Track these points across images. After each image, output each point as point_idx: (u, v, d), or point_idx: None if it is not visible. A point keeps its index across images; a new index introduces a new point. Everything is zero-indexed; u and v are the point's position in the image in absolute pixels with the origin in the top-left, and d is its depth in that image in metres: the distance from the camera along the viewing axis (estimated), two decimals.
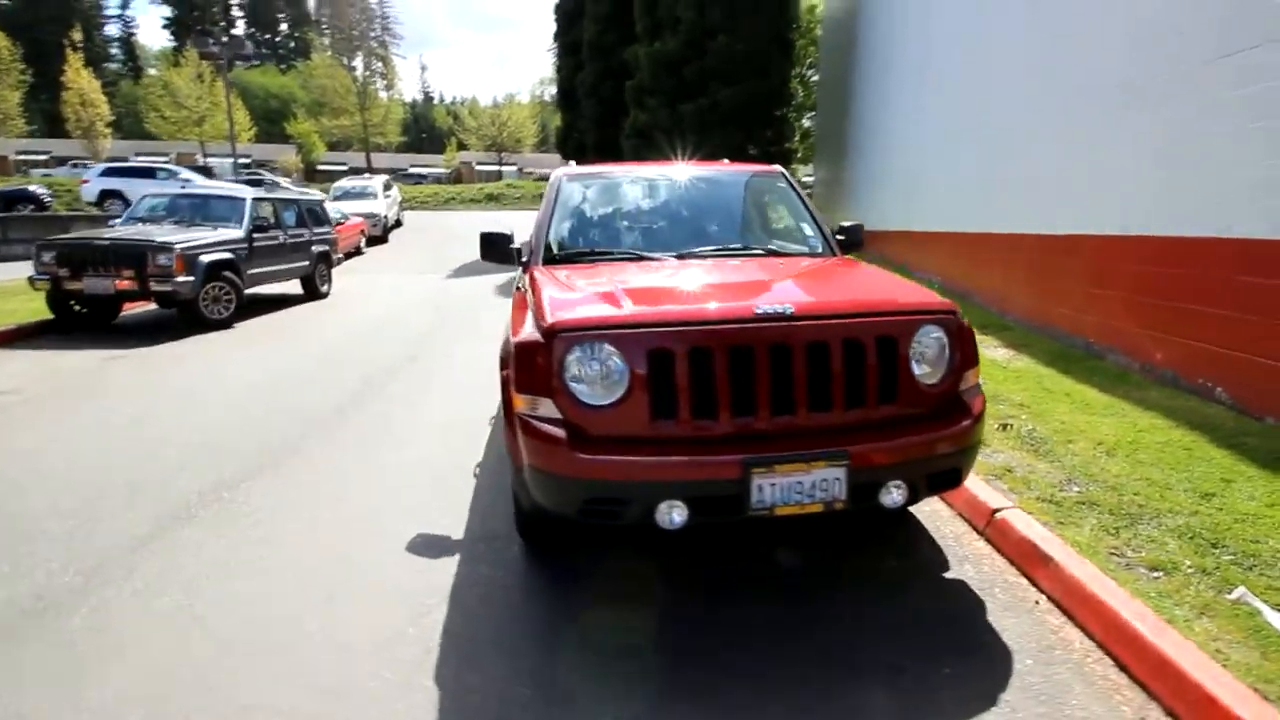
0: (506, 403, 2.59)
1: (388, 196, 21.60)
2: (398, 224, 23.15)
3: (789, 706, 2.11)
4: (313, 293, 10.99)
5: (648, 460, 2.26)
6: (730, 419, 2.32)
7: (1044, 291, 6.48)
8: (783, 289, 2.86)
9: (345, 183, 21.94)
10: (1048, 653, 2.35)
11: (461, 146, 52.83)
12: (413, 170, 48.74)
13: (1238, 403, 4.32)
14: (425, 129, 70.15)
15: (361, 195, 20.19)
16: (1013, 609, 2.61)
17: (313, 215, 11.24)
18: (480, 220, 27.89)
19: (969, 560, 2.95)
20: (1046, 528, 2.94)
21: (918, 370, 2.48)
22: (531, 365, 2.39)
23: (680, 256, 3.38)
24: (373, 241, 18.98)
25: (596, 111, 17.72)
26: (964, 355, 2.58)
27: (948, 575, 2.85)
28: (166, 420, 4.93)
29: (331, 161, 48.45)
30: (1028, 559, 2.82)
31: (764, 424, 2.33)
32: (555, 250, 3.54)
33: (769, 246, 3.68)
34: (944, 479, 2.53)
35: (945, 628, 2.52)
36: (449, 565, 2.94)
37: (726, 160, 4.90)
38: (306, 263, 10.69)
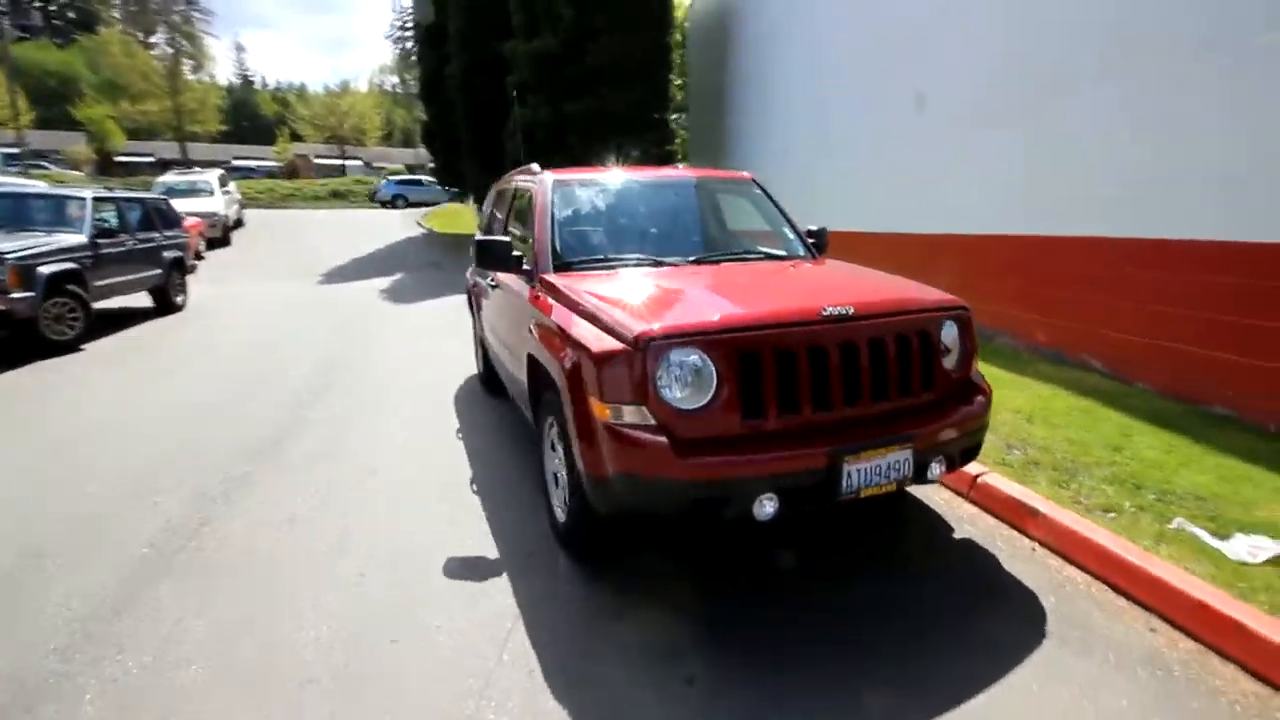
0: (580, 413, 2.56)
1: (226, 193, 19.34)
2: (239, 224, 20.81)
3: (871, 648, 2.36)
4: (167, 305, 9.65)
5: (749, 458, 2.39)
6: (811, 413, 2.52)
7: (936, 284, 7.35)
8: (827, 290, 3.08)
9: (171, 178, 19.26)
10: (1061, 589, 2.81)
11: (295, 137, 48.23)
12: (238, 163, 43.70)
13: (1113, 372, 5.29)
14: (248, 117, 63.18)
15: (194, 192, 17.85)
16: (1018, 557, 3.06)
17: (161, 216, 9.86)
18: (334, 219, 25.91)
19: (966, 521, 3.40)
20: (1023, 486, 3.47)
21: (945, 360, 2.84)
22: (620, 374, 2.43)
23: (696, 261, 3.52)
24: (212, 245, 16.94)
25: (470, 107, 17.14)
26: (972, 344, 2.98)
27: (955, 536, 3.27)
28: (38, 476, 4.13)
29: (134, 152, 42.04)
30: (1016, 513, 3.31)
31: (839, 415, 2.56)
32: (563, 257, 3.52)
33: (764, 250, 3.93)
34: (971, 452, 2.92)
35: (974, 578, 2.91)
36: (502, 585, 2.86)
37: (681, 165, 5.07)
38: (159, 271, 9.35)
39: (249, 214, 23.10)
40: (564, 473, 2.89)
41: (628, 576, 2.94)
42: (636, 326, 2.47)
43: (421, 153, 37.14)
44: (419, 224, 24.99)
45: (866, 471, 2.48)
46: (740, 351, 2.44)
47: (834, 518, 3.41)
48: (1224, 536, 2.95)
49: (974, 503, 3.57)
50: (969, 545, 3.18)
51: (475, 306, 5.61)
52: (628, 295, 2.90)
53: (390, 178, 35.57)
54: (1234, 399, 4.42)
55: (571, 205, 3.89)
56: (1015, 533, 3.28)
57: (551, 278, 3.28)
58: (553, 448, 3.06)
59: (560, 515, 3.06)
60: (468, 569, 3.00)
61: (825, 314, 2.57)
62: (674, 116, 15.65)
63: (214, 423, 4.90)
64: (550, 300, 3.13)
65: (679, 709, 2.17)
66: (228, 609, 2.71)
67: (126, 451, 4.34)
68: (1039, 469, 3.74)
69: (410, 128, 57.17)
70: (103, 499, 3.66)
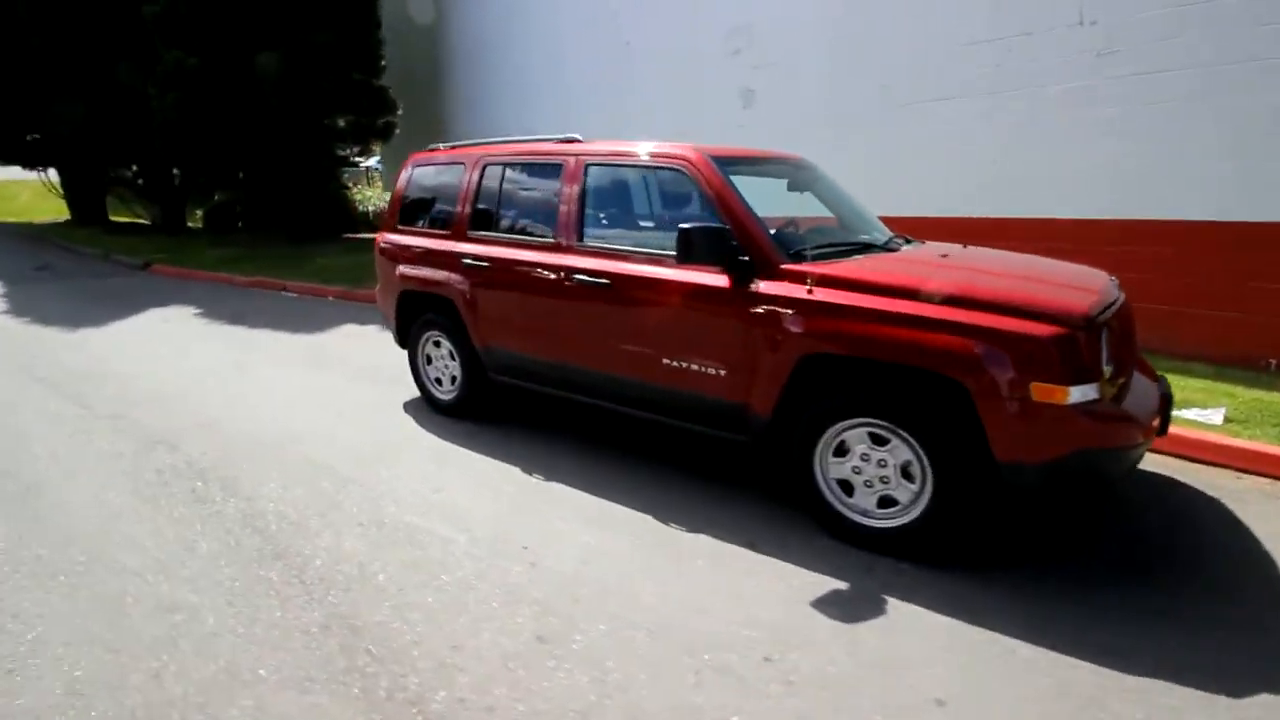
0: (1017, 401, 2.34)
1: None
2: None
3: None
4: None
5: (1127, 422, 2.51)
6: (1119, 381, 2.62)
7: None
8: (1053, 273, 3.09)
9: None
10: None
11: None
12: None
13: None
14: None
15: None
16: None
17: None
18: None
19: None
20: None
21: None
22: (1083, 354, 2.36)
23: (883, 248, 3.36)
24: None
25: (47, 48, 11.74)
26: None
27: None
28: None
29: None
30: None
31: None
32: (789, 246, 2.95)
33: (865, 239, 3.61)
34: None
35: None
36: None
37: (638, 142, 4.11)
38: None
39: None
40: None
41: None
42: (1074, 307, 2.44)
43: None
44: None
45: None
46: (1105, 328, 2.51)
47: None
48: None
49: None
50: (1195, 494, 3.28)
51: (463, 305, 3.86)
52: (972, 280, 2.73)
53: None
54: None
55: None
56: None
57: (813, 268, 2.79)
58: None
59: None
60: None
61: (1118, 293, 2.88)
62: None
63: None
64: (860, 294, 2.63)
65: None
66: None
67: None
68: None
69: None
70: None
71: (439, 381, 4.24)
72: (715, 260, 2.85)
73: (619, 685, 2.00)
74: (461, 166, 3.93)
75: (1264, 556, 2.68)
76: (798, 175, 3.70)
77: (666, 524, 2.93)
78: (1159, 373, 3.08)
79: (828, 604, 2.38)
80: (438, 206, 4.10)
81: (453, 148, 4.18)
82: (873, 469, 2.65)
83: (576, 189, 3.39)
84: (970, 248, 3.41)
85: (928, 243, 3.63)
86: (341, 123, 13.29)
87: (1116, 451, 2.44)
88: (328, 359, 5.68)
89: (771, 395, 2.79)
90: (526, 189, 3.69)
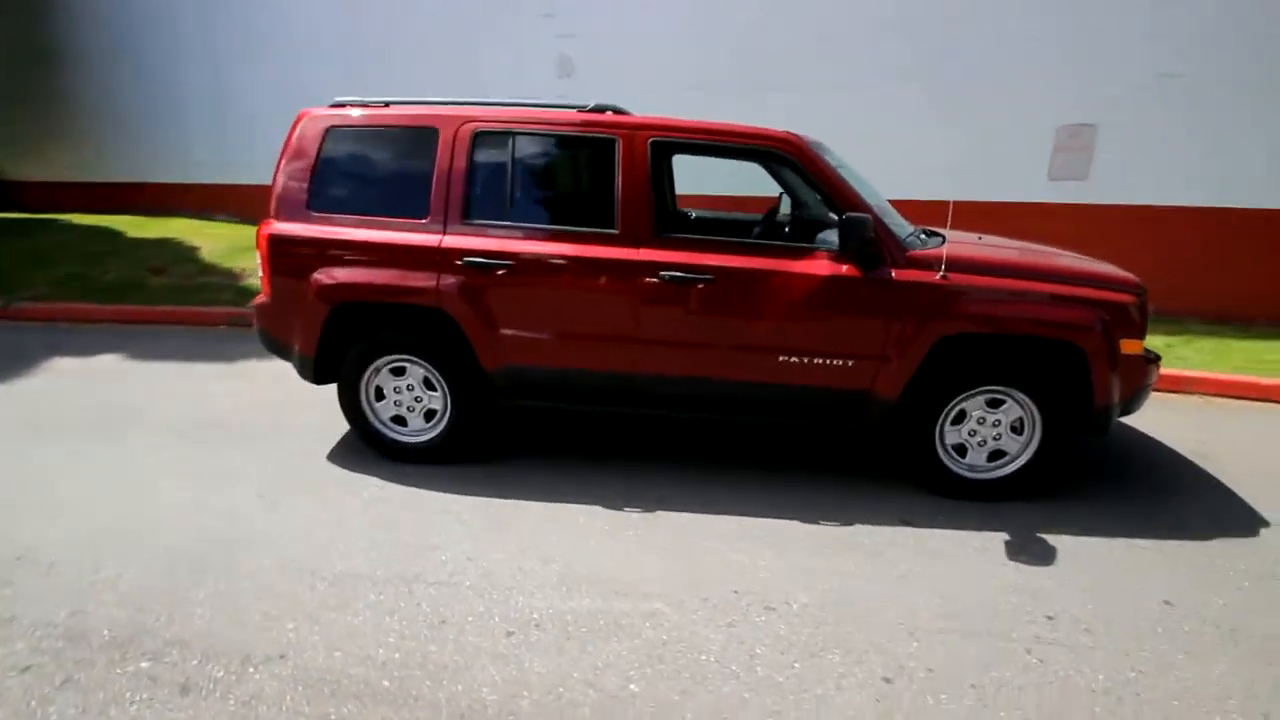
0: (1115, 355, 2.83)
1: None
2: None
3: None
4: None
5: None
6: None
7: None
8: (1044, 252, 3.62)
9: None
10: None
11: None
12: None
13: None
14: None
15: None
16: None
17: None
18: None
19: None
20: None
21: None
22: (1144, 315, 2.95)
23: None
24: None
25: None
26: None
27: None
28: None
29: None
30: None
31: None
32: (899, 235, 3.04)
33: None
34: None
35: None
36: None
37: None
38: None
39: None
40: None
41: None
42: (1132, 279, 3.04)
43: None
44: None
45: None
46: None
47: None
48: None
49: None
50: None
51: (466, 316, 2.98)
52: (1057, 260, 3.16)
53: None
54: None
55: None
56: None
57: (928, 254, 2.92)
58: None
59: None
60: None
61: None
62: None
63: None
64: (985, 277, 2.88)
65: None
66: None
67: None
68: None
69: None
70: None
71: (399, 421, 3.18)
72: (865, 249, 2.77)
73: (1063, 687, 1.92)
74: (432, 132, 2.93)
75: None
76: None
77: (817, 523, 2.80)
78: None
79: (1027, 556, 2.60)
80: (390, 185, 3.00)
81: (386, 105, 3.07)
82: (987, 429, 2.95)
83: (643, 171, 2.86)
84: (988, 235, 3.77)
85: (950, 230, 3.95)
86: None
87: (1149, 388, 3.08)
88: (106, 417, 3.73)
89: (902, 378, 2.86)
90: (555, 168, 2.97)
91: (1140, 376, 2.97)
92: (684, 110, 3.47)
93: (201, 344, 5.21)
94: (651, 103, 4.02)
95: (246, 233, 8.36)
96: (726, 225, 3.93)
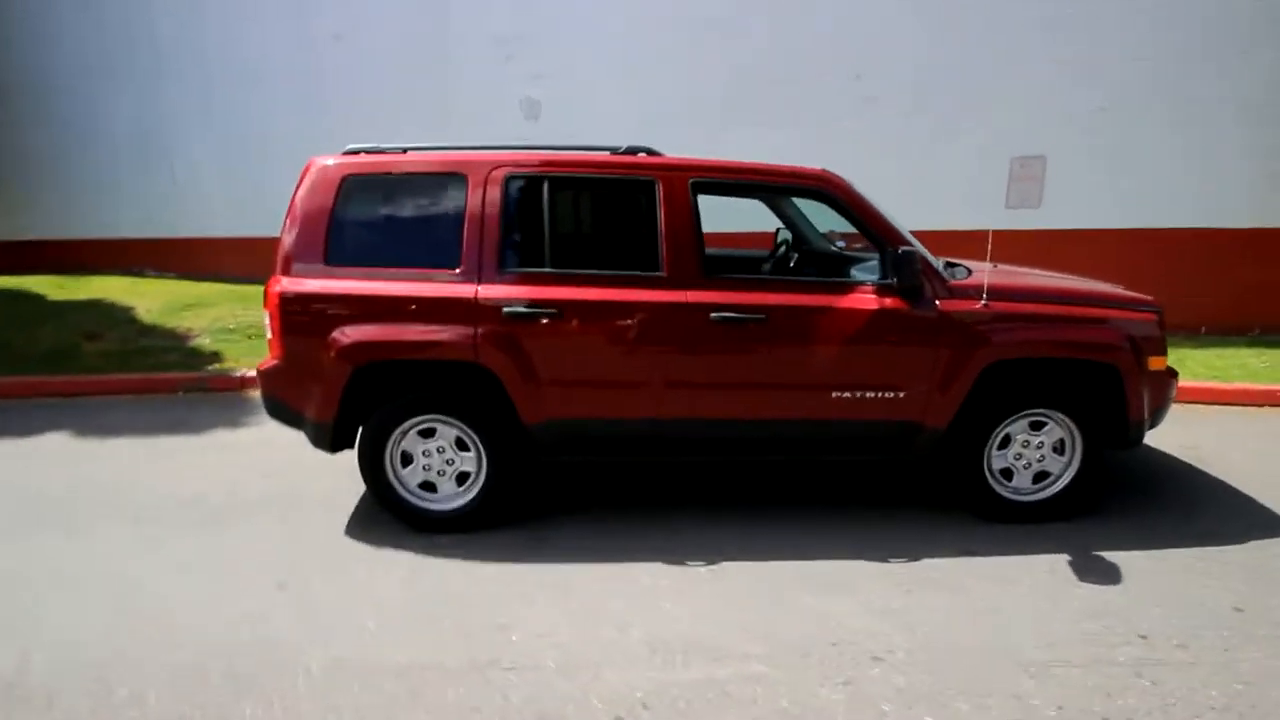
0: (1145, 371, 2.96)
1: None
2: None
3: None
4: None
5: None
6: None
7: None
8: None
9: None
10: None
11: None
12: None
13: None
14: None
15: None
16: None
17: None
18: None
19: None
20: None
21: None
22: (1164, 333, 3.09)
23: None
24: None
25: None
26: None
27: None
28: None
29: None
30: None
31: None
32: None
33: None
34: None
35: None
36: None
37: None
38: None
39: None
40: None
41: None
42: (1153, 300, 3.16)
43: None
44: None
45: None
46: None
47: None
48: None
49: None
50: None
51: (509, 370, 2.80)
52: (1082, 285, 3.32)
53: None
54: None
55: None
56: None
57: (968, 284, 2.99)
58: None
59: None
60: None
61: None
62: None
63: None
64: (1023, 304, 2.98)
65: None
66: None
67: None
68: None
69: None
70: None
71: (428, 488, 2.93)
72: (913, 283, 2.79)
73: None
74: (459, 178, 2.78)
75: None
76: None
77: (886, 561, 2.74)
78: None
79: (1095, 576, 2.63)
80: (414, 235, 2.81)
81: (404, 151, 2.90)
82: (1031, 452, 3.00)
83: (686, 212, 2.80)
84: (1003, 264, 3.83)
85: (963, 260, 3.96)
86: None
87: (1171, 400, 3.21)
88: (69, 505, 3.29)
89: (952, 407, 2.88)
90: (592, 211, 2.86)
91: (1165, 390, 3.11)
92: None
93: (157, 414, 4.73)
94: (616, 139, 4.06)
95: (183, 289, 7.80)
96: (739, 262, 3.92)
